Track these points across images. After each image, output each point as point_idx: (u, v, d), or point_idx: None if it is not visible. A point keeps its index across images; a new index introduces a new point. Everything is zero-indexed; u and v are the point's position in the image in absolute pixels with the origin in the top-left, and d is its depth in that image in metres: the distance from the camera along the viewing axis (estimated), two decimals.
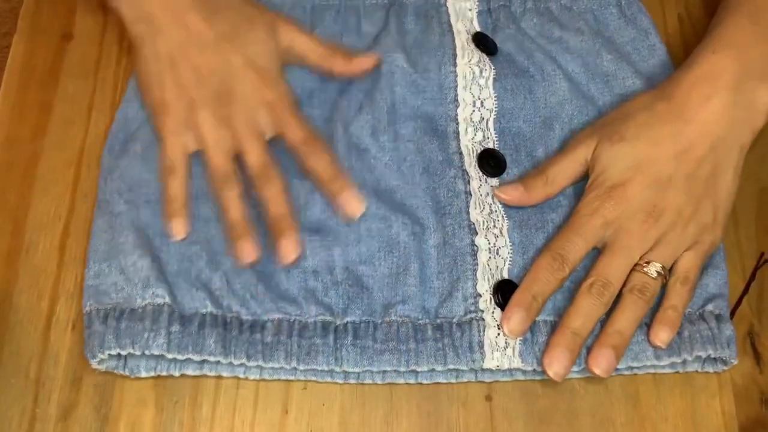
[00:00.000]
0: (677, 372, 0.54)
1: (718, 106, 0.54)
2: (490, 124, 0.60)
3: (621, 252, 0.53)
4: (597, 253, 0.54)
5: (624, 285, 0.52)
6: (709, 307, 0.54)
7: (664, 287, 0.53)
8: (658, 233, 0.53)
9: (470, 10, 0.64)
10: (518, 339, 0.52)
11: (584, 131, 0.58)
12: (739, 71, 0.55)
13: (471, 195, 0.57)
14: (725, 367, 0.54)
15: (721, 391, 0.54)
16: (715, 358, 0.54)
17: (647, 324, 0.53)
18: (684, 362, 0.53)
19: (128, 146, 0.58)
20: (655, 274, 0.52)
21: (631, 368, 0.54)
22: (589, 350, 0.52)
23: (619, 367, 0.53)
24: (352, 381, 0.53)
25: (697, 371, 0.54)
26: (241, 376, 0.53)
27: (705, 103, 0.54)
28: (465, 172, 0.58)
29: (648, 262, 0.52)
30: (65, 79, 0.62)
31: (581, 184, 0.57)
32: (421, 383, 0.53)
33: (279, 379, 0.53)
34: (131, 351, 0.51)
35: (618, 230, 0.53)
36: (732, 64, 0.55)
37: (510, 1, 0.64)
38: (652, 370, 0.54)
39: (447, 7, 0.64)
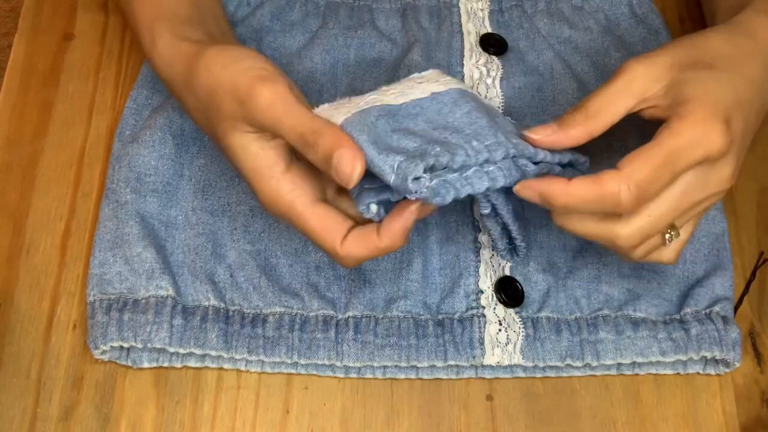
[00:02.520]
0: (678, 373, 0.54)
1: None
2: None
3: (689, 198, 0.46)
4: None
5: None
6: (716, 308, 0.54)
7: None
8: (723, 192, 0.47)
9: (482, 10, 0.64)
10: (519, 336, 0.53)
11: (635, 60, 0.47)
12: None
13: None
14: (727, 369, 0.54)
15: (721, 391, 0.54)
16: (717, 360, 0.54)
17: (653, 320, 0.53)
18: (687, 362, 0.54)
19: (138, 133, 0.58)
20: (667, 237, 0.47)
21: (635, 366, 0.54)
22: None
23: (623, 363, 0.53)
24: (353, 375, 0.53)
25: (698, 373, 0.54)
26: (243, 369, 0.53)
27: None
28: None
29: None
30: (66, 79, 0.62)
31: None
32: (422, 382, 0.54)
33: (281, 373, 0.53)
34: (134, 344, 0.51)
35: (706, 174, 0.45)
36: None
37: (522, 0, 0.64)
38: (653, 371, 0.54)
39: (459, 8, 0.64)
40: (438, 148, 0.45)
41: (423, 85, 0.50)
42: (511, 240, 0.52)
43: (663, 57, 0.47)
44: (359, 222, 0.48)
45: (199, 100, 0.48)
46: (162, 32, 0.51)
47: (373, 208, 0.45)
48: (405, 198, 0.44)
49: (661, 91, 0.46)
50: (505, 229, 0.51)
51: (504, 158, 0.46)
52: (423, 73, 0.52)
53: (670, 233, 0.47)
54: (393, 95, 0.49)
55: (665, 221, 0.46)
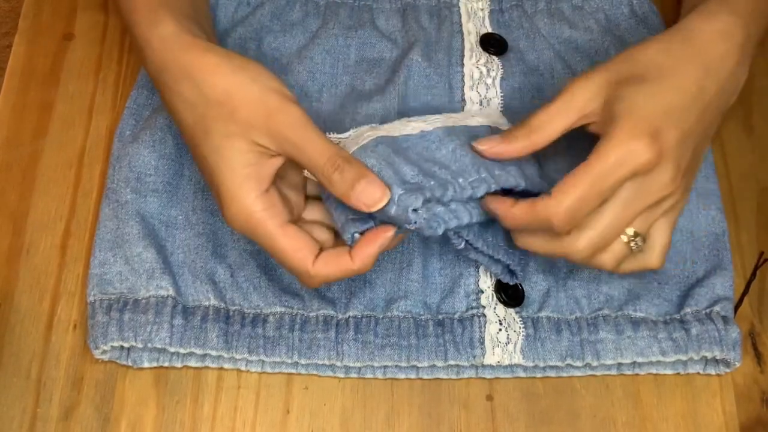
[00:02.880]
0: (678, 373, 0.54)
1: (733, 66, 0.50)
2: None
3: (632, 208, 0.48)
4: None
5: None
6: (716, 308, 0.54)
7: None
8: (671, 194, 0.49)
9: (482, 9, 0.64)
10: (519, 335, 0.53)
11: (577, 78, 0.50)
12: (745, 41, 0.51)
13: None
14: (727, 370, 0.54)
15: (721, 390, 0.54)
16: (717, 360, 0.54)
17: (653, 320, 0.53)
18: (687, 362, 0.54)
19: (138, 133, 0.58)
20: (625, 240, 0.49)
21: (635, 366, 0.54)
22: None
23: (623, 363, 0.53)
24: (353, 375, 0.53)
25: (698, 373, 0.54)
26: (243, 368, 0.53)
27: (725, 59, 0.50)
28: None
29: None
30: (66, 79, 0.62)
31: None
32: (422, 382, 0.54)
33: (281, 373, 0.53)
34: (134, 344, 0.51)
35: (642, 185, 0.47)
36: (742, 31, 0.51)
37: (522, 0, 0.64)
38: (654, 371, 0.54)
39: (459, 8, 0.64)
40: (432, 182, 0.48)
41: (413, 124, 0.52)
42: (505, 264, 0.53)
43: (600, 74, 0.49)
44: (324, 245, 0.50)
45: (202, 95, 0.48)
46: (166, 17, 0.51)
47: (357, 237, 0.48)
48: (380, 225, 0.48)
49: (598, 108, 0.49)
50: (492, 257, 0.53)
51: (486, 193, 0.49)
52: (412, 118, 0.54)
53: (634, 240, 0.49)
54: (385, 131, 0.52)
55: (613, 232, 0.48)
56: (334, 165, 0.47)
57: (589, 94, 0.49)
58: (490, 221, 0.51)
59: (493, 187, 0.49)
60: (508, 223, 0.49)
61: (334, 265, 0.48)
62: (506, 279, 0.53)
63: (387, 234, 0.48)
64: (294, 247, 0.48)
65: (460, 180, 0.49)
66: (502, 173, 0.49)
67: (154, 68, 0.51)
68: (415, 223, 0.47)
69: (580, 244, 0.48)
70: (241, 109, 0.47)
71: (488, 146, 0.50)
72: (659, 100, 0.48)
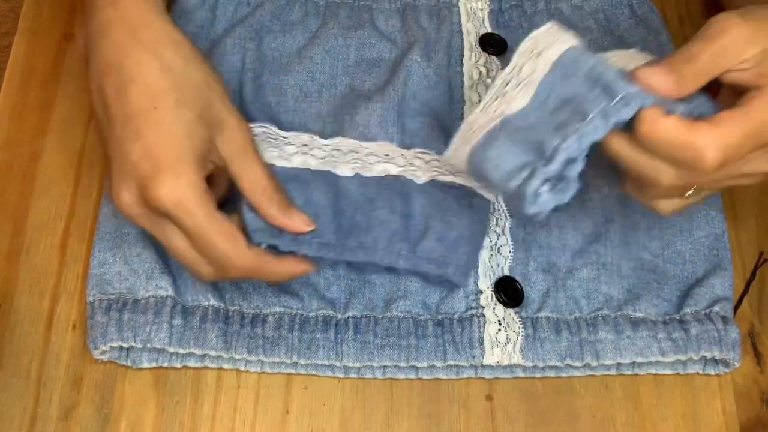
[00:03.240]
0: (678, 373, 0.54)
1: None
2: None
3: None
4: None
5: None
6: (716, 308, 0.54)
7: None
8: None
9: (481, 10, 0.64)
10: (519, 336, 0.53)
11: (734, 18, 0.44)
12: None
13: None
14: (727, 370, 0.54)
15: (721, 390, 0.54)
16: (717, 360, 0.54)
17: (652, 320, 0.53)
18: (687, 362, 0.54)
19: None
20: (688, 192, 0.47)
21: (634, 366, 0.54)
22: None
23: (622, 363, 0.53)
24: (352, 375, 0.53)
25: (698, 373, 0.54)
26: (242, 369, 0.53)
27: None
28: None
29: None
30: (66, 79, 0.62)
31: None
32: (422, 383, 0.54)
33: (281, 373, 0.53)
34: (133, 344, 0.51)
35: None
36: None
37: (522, 0, 0.64)
38: (653, 371, 0.54)
39: (458, 8, 0.64)
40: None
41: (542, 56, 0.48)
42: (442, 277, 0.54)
43: (762, 21, 0.44)
44: None
45: (188, 67, 0.49)
46: None
47: (263, 246, 0.50)
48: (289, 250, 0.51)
49: (758, 57, 0.44)
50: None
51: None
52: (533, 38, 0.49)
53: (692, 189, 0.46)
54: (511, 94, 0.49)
55: (724, 184, 0.46)
56: (275, 188, 0.50)
57: (750, 39, 0.44)
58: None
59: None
60: (645, 128, 0.43)
61: (262, 261, 0.49)
62: (447, 286, 0.54)
63: (310, 270, 0.51)
64: (227, 231, 0.47)
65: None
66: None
67: (123, 23, 0.49)
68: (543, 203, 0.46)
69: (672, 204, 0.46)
70: (217, 104, 0.49)
71: (658, 83, 0.44)
72: None
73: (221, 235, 0.47)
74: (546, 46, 0.48)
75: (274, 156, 0.54)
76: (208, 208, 0.47)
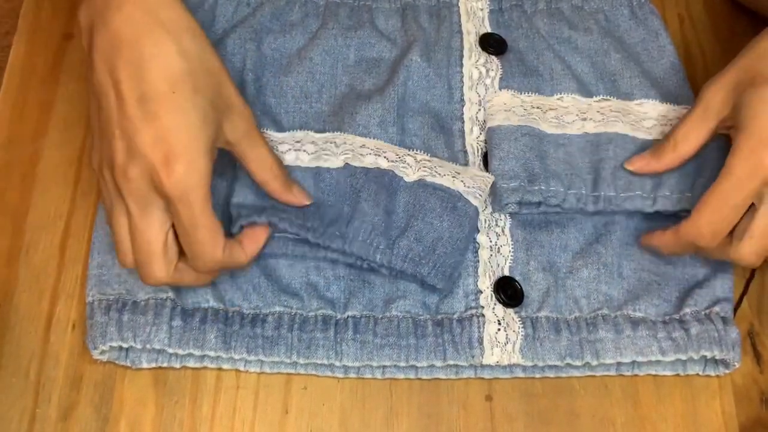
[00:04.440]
0: (678, 374, 0.54)
1: None
2: None
3: None
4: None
5: None
6: (716, 308, 0.54)
7: None
8: None
9: (481, 9, 0.64)
10: (518, 335, 0.53)
11: (710, 83, 0.52)
12: None
13: None
14: (726, 370, 0.54)
15: (721, 391, 0.54)
16: (717, 361, 0.54)
17: (652, 320, 0.53)
18: (687, 362, 0.54)
19: None
20: None
21: (634, 366, 0.54)
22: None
23: (622, 363, 0.53)
24: (352, 375, 0.53)
25: (698, 374, 0.54)
26: (242, 369, 0.53)
27: None
28: None
29: None
30: (66, 78, 0.62)
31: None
32: (421, 383, 0.54)
33: (280, 373, 0.53)
34: (133, 344, 0.51)
35: None
36: None
37: (522, 0, 0.64)
38: (653, 371, 0.54)
39: (458, 8, 0.64)
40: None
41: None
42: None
43: (730, 75, 0.51)
44: None
45: (205, 54, 0.48)
46: None
47: (242, 224, 0.52)
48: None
49: (732, 113, 0.50)
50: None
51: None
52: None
53: None
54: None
55: None
56: (280, 166, 0.53)
57: (722, 97, 0.51)
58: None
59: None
60: (664, 251, 0.53)
61: (232, 255, 0.50)
62: (429, 289, 0.54)
63: (266, 234, 0.52)
64: (214, 228, 0.48)
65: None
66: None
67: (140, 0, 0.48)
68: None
69: (744, 251, 0.50)
70: (228, 88, 0.49)
71: (637, 166, 0.55)
72: None
73: (208, 231, 0.47)
74: None
75: None
76: (207, 201, 0.47)
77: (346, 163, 0.56)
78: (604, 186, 0.56)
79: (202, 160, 0.46)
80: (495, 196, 0.56)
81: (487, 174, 0.56)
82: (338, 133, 0.57)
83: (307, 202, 0.54)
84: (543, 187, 0.55)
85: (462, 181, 0.55)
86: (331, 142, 0.56)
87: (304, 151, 0.56)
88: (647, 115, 0.59)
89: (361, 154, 0.56)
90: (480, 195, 0.55)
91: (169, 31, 0.47)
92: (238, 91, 0.51)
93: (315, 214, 0.54)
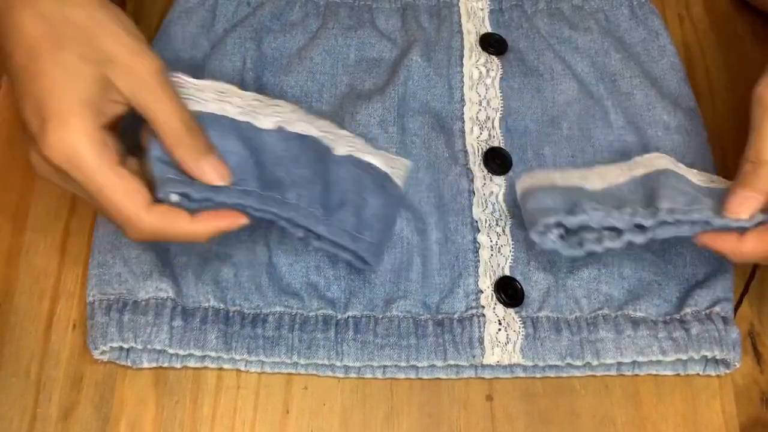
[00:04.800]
0: (678, 374, 0.54)
1: None
2: (496, 123, 0.60)
3: None
4: None
5: None
6: (716, 308, 0.54)
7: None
8: None
9: (482, 9, 0.64)
10: (519, 335, 0.53)
11: (764, 86, 0.51)
12: None
13: (474, 193, 0.57)
14: (727, 370, 0.54)
15: (721, 391, 0.54)
16: (717, 361, 0.54)
17: (653, 320, 0.53)
18: (687, 362, 0.54)
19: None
20: None
21: (635, 366, 0.54)
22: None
23: (623, 362, 0.53)
24: (352, 375, 0.53)
25: (698, 374, 0.54)
26: (243, 369, 0.53)
27: None
28: (469, 170, 0.58)
29: None
30: None
31: None
32: (422, 382, 0.54)
33: (281, 373, 0.53)
34: (133, 345, 0.51)
35: None
36: None
37: (522, 0, 0.64)
38: (654, 371, 0.54)
39: (459, 8, 0.64)
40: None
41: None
42: (355, 253, 0.52)
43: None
44: None
45: (63, 13, 0.45)
46: None
47: (174, 198, 0.46)
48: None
49: None
50: (338, 244, 0.52)
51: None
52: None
53: None
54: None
55: None
56: (189, 129, 0.46)
57: None
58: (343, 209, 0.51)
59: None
60: (738, 258, 0.49)
61: (169, 219, 0.45)
62: (359, 266, 0.53)
63: (241, 221, 0.47)
64: (126, 188, 0.44)
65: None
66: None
67: None
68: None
69: None
70: (105, 39, 0.45)
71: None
72: None
73: (119, 192, 0.44)
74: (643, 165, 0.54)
75: (188, 103, 0.49)
76: (102, 160, 0.43)
77: (280, 126, 0.51)
78: (663, 201, 0.50)
79: (76, 117, 0.43)
80: (531, 222, 0.51)
81: (403, 158, 0.55)
82: (264, 96, 0.53)
83: (220, 182, 0.47)
84: (586, 207, 0.50)
85: (388, 164, 0.54)
86: (258, 101, 0.53)
87: (230, 103, 0.51)
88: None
89: (292, 120, 0.53)
90: (400, 178, 0.54)
91: (23, 2, 0.45)
92: (135, 42, 0.45)
93: (250, 174, 0.49)
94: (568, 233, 0.51)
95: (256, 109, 0.52)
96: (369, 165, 0.54)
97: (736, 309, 0.56)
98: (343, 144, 0.53)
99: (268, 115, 0.52)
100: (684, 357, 0.53)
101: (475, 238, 0.56)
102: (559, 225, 0.50)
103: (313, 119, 0.54)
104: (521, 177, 0.54)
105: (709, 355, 0.53)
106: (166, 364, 0.53)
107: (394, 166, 0.55)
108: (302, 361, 0.52)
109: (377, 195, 0.53)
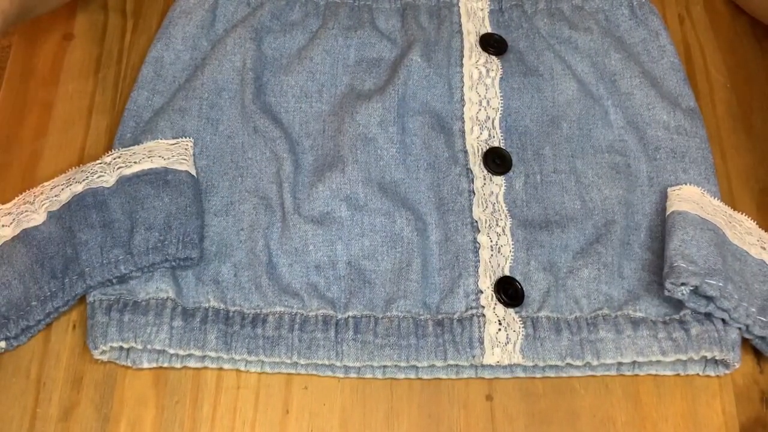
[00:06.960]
0: (678, 374, 0.54)
1: None
2: (496, 123, 0.60)
3: None
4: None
5: None
6: None
7: None
8: None
9: (482, 9, 0.64)
10: (519, 335, 0.53)
11: None
12: None
13: (474, 193, 0.57)
14: (727, 371, 0.54)
15: (721, 390, 0.54)
16: (717, 361, 0.54)
17: (653, 320, 0.53)
18: (687, 362, 0.54)
19: (138, 136, 0.58)
20: None
21: (635, 366, 0.54)
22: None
23: (623, 362, 0.53)
24: (352, 375, 0.53)
25: (698, 374, 0.54)
26: (242, 369, 0.53)
27: None
28: (469, 170, 0.58)
29: None
30: (66, 79, 0.62)
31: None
32: (422, 382, 0.54)
33: (281, 373, 0.53)
34: (134, 345, 0.51)
35: None
36: None
37: (522, 0, 0.64)
38: (654, 371, 0.54)
39: (458, 8, 0.64)
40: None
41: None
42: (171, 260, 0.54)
43: None
44: None
45: None
46: None
47: (2, 344, 0.52)
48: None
49: None
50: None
51: None
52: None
53: None
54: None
55: None
56: None
57: None
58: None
59: None
60: None
61: None
62: (183, 265, 0.54)
63: None
64: None
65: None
66: None
67: None
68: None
69: None
70: None
71: None
72: None
73: None
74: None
75: None
76: None
77: (48, 212, 0.54)
78: None
79: None
80: (672, 274, 0.52)
81: (182, 139, 0.57)
82: (32, 190, 0.55)
83: None
84: (721, 284, 0.52)
85: (160, 156, 0.55)
86: (28, 203, 0.54)
87: (3, 225, 0.53)
88: None
89: (58, 194, 0.54)
90: (184, 160, 0.55)
91: None
92: None
93: (42, 273, 0.52)
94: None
95: (26, 210, 0.54)
96: (140, 174, 0.55)
97: None
98: (112, 169, 0.55)
99: (38, 210, 0.54)
100: (684, 357, 0.53)
101: (475, 238, 0.56)
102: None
103: (74, 174, 0.55)
104: (674, 187, 0.57)
105: (709, 355, 0.53)
106: (166, 364, 0.53)
107: (170, 155, 0.55)
108: (302, 361, 0.52)
109: (162, 195, 0.54)
